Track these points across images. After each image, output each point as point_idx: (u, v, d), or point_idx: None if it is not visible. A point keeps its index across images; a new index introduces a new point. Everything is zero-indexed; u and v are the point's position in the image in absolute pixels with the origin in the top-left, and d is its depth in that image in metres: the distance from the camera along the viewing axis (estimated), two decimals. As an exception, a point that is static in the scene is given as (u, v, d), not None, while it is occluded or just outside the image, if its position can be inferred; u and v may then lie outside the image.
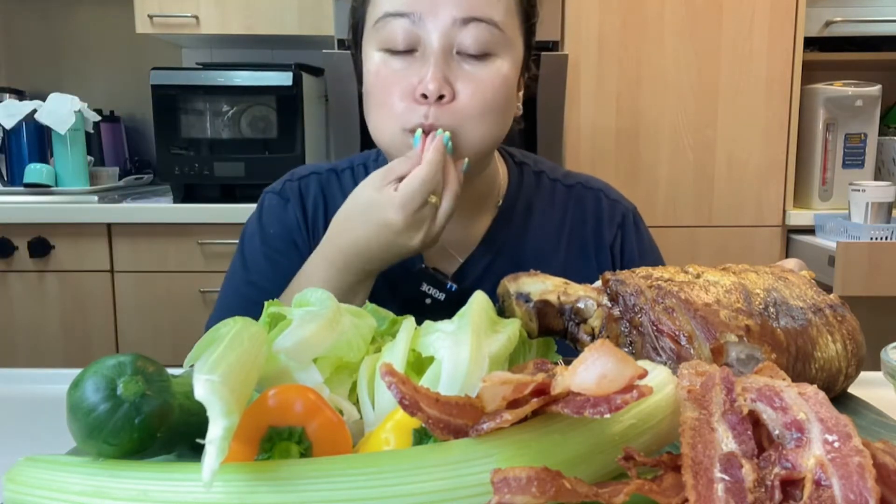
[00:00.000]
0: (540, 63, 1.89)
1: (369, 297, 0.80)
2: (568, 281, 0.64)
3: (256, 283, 0.89)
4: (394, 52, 0.77)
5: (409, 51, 0.76)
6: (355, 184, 0.92)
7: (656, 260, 0.98)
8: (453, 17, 0.74)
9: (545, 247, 0.91)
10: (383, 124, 0.79)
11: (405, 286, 0.87)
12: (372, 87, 0.79)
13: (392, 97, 0.76)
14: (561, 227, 0.93)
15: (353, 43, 0.85)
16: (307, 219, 0.91)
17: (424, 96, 0.74)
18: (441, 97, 0.75)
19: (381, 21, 0.76)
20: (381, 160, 0.94)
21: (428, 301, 0.86)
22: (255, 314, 0.82)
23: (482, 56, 0.76)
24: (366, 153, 0.97)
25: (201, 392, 0.35)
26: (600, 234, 0.93)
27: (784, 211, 2.13)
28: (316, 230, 0.90)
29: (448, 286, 0.86)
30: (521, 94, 0.87)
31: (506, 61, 0.78)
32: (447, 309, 0.85)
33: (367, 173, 0.92)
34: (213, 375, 0.36)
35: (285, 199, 0.92)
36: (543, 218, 0.93)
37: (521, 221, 0.92)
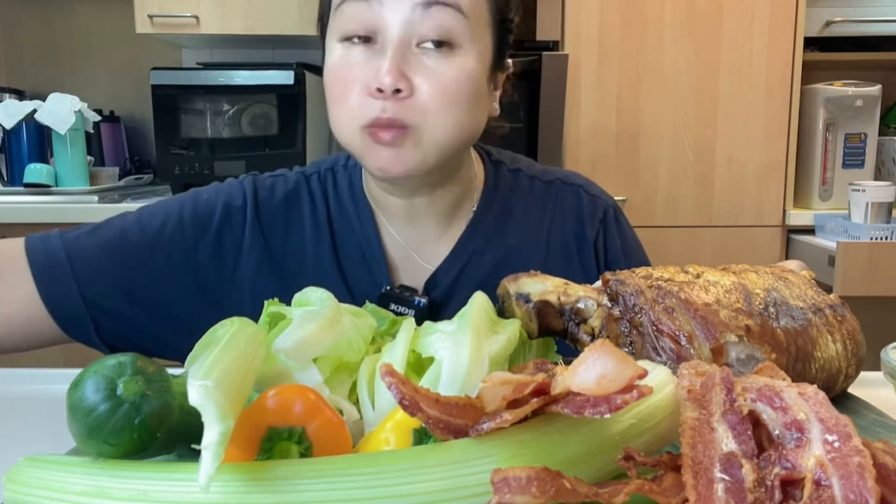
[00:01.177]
0: (541, 63, 1.89)
1: None
2: (568, 281, 0.64)
3: (140, 216, 0.84)
4: (353, 42, 0.73)
5: (369, 41, 0.73)
6: (322, 189, 0.88)
7: (640, 256, 0.95)
8: (414, 2, 0.71)
9: (523, 248, 0.88)
10: (341, 120, 0.75)
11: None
12: (330, 80, 0.76)
13: (350, 92, 0.73)
14: (540, 227, 0.90)
15: (321, 38, 0.82)
16: (243, 213, 0.85)
17: (381, 90, 0.71)
18: (398, 91, 0.71)
19: (340, 7, 0.74)
20: (351, 163, 0.90)
21: None
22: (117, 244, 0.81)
23: (444, 48, 0.73)
24: (335, 156, 0.93)
25: (195, 397, 0.35)
26: (582, 231, 0.90)
27: (784, 211, 2.13)
28: (259, 227, 0.85)
29: (416, 301, 0.83)
30: (497, 93, 0.83)
31: (470, 55, 0.74)
32: (420, 322, 0.84)
33: (334, 178, 0.89)
34: (207, 380, 0.36)
35: (240, 183, 0.88)
36: (522, 218, 0.90)
37: (498, 224, 0.88)
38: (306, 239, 0.86)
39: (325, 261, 0.85)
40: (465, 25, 0.73)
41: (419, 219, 0.86)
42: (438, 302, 0.85)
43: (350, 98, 0.74)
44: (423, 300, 0.83)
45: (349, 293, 0.85)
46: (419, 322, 0.83)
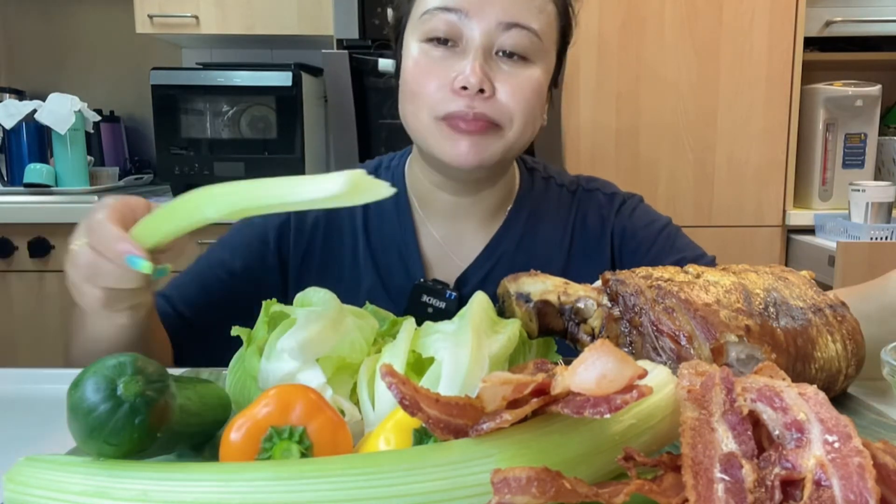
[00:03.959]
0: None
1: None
2: (568, 281, 0.64)
3: (217, 247, 0.92)
4: (435, 43, 0.79)
5: (450, 43, 0.78)
6: None
7: (665, 224, 0.94)
8: (498, 20, 0.77)
9: (548, 252, 0.92)
10: (417, 111, 0.80)
11: (406, 300, 0.88)
12: (409, 75, 0.80)
13: (428, 86, 0.78)
14: (564, 233, 0.93)
15: (395, 39, 0.87)
16: (290, 228, 0.91)
17: (464, 88, 0.76)
18: (482, 91, 0.76)
19: (427, 14, 0.79)
20: (381, 171, 0.94)
21: (430, 310, 0.87)
22: (209, 277, 0.89)
23: (518, 58, 0.79)
24: (379, 158, 0.97)
25: None
26: (603, 230, 0.94)
27: (784, 211, 2.13)
28: (300, 242, 0.90)
29: (447, 294, 0.87)
30: (546, 106, 0.88)
31: (540, 69, 0.81)
32: (450, 316, 0.85)
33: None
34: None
35: None
36: (548, 224, 0.93)
37: (527, 227, 0.92)
38: (344, 239, 0.91)
39: (360, 258, 0.90)
40: (538, 45, 0.80)
41: (460, 217, 0.90)
42: (467, 299, 0.87)
43: (429, 91, 0.78)
44: (455, 293, 0.87)
45: (383, 288, 0.89)
46: (449, 316, 0.85)
